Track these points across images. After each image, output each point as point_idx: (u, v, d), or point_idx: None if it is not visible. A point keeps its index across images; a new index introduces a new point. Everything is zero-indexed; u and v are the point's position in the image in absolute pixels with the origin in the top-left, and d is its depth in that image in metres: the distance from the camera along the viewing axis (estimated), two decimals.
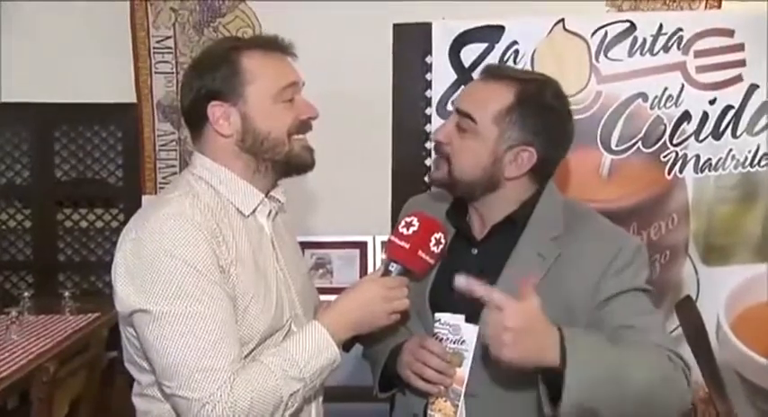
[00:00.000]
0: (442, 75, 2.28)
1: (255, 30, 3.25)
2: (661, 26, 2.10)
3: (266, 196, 1.52)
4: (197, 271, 1.35)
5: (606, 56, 2.14)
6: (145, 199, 3.28)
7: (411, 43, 2.32)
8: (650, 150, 2.13)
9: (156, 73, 3.29)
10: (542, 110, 1.48)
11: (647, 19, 2.14)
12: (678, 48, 2.10)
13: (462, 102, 1.53)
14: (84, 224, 3.39)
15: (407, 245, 1.47)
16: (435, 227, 1.50)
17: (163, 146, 3.32)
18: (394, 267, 1.48)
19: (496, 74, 1.55)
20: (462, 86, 2.26)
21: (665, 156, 2.13)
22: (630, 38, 2.12)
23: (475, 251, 1.56)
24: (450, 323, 1.48)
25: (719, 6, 3.07)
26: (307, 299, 1.60)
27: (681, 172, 2.13)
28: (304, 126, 1.49)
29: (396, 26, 2.32)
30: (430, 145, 2.32)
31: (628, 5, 3.09)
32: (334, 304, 1.48)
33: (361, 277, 3.37)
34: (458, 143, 1.51)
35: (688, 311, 2.12)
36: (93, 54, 3.25)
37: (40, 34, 3.29)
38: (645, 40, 2.11)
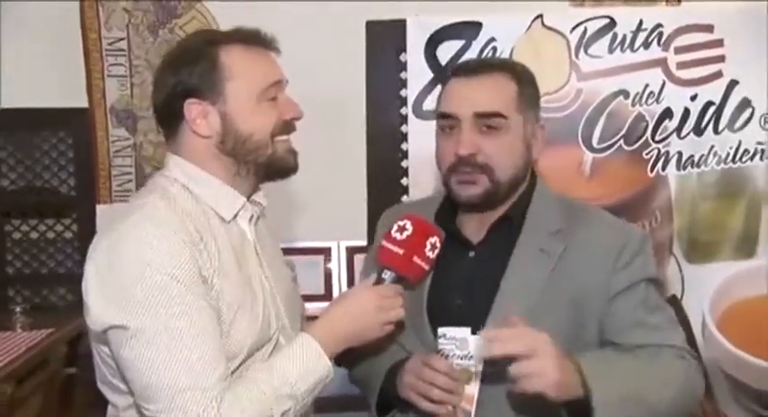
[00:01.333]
0: (417, 73, 2.21)
1: None
2: (641, 22, 2.08)
3: (248, 200, 1.42)
4: (178, 282, 1.23)
5: (586, 52, 2.11)
6: (99, 208, 3.14)
7: (385, 41, 2.25)
8: (632, 148, 2.11)
9: (108, 76, 3.14)
10: (532, 83, 1.48)
11: (627, 14, 2.11)
12: (658, 44, 2.08)
13: (478, 104, 1.44)
14: (34, 235, 3.22)
15: (402, 251, 1.39)
16: (430, 231, 1.42)
17: (117, 152, 3.17)
18: (387, 274, 1.40)
19: (480, 67, 1.50)
20: (440, 85, 2.19)
21: (647, 154, 2.10)
22: (610, 34, 2.10)
23: (471, 254, 1.49)
24: (457, 337, 1.37)
25: (679, 3, 3.09)
26: (293, 309, 1.49)
27: (663, 169, 2.10)
28: (287, 126, 1.39)
29: (369, 23, 2.24)
30: (406, 146, 2.25)
31: (590, 3, 3.09)
32: (324, 315, 1.37)
33: (325, 284, 3.29)
34: (491, 146, 1.42)
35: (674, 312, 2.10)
36: (41, 56, 3.09)
37: None
38: (625, 36, 2.09)
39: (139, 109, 3.15)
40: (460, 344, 1.38)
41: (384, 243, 1.41)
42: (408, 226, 1.41)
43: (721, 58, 2.05)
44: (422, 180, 2.22)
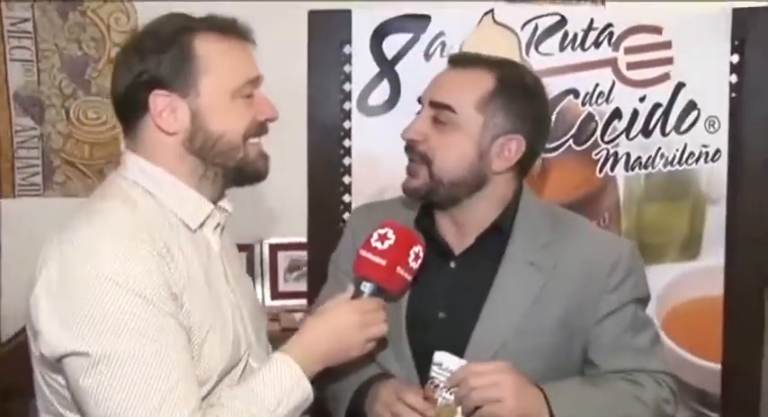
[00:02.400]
0: (362, 67, 2.11)
1: (131, 17, 2.94)
2: (592, 21, 2.05)
3: (214, 206, 1.30)
4: (146, 301, 1.10)
5: (537, 50, 2.07)
6: (2, 203, 2.91)
7: (328, 32, 2.13)
8: (582, 148, 2.09)
9: (11, 60, 2.90)
10: (526, 93, 1.38)
11: (578, 13, 2.10)
12: (609, 43, 2.06)
13: (436, 92, 1.38)
14: None
15: (384, 262, 1.31)
16: (413, 240, 1.36)
17: (22, 143, 2.93)
18: (366, 286, 1.32)
19: (468, 60, 1.43)
20: (386, 80, 2.11)
21: (596, 154, 2.09)
22: (561, 32, 2.06)
23: (452, 264, 1.41)
24: (452, 369, 1.28)
25: (603, 3, 3.11)
26: (258, 325, 1.38)
27: (612, 170, 2.09)
28: (261, 128, 1.30)
29: (311, 13, 2.13)
30: (349, 143, 2.16)
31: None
32: (301, 333, 1.27)
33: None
34: (436, 139, 1.35)
35: None
36: None
37: None
38: (576, 35, 2.06)
39: (47, 97, 2.94)
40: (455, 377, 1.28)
41: (364, 253, 1.33)
42: (390, 234, 1.33)
43: (669, 61, 2.05)
44: (365, 178, 2.14)
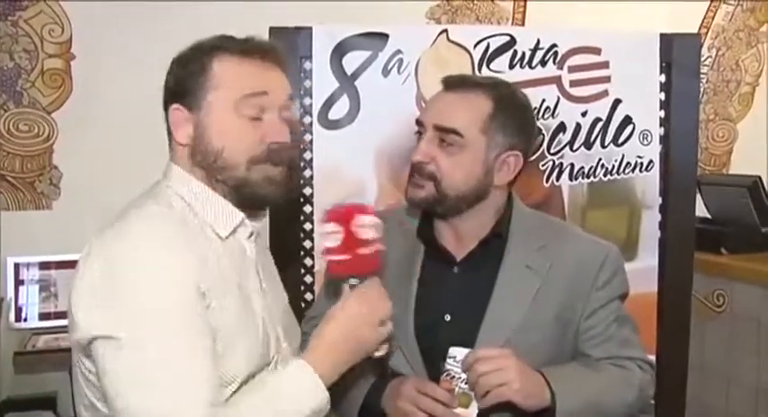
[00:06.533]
0: (322, 82, 2.19)
1: (65, 29, 2.90)
2: (538, 41, 2.21)
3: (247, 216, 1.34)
4: (179, 296, 1.16)
5: (488, 67, 2.20)
6: None
7: (288, 48, 2.20)
8: (530, 159, 2.23)
9: None
10: (519, 110, 1.51)
11: (526, 34, 2.24)
12: (554, 62, 2.22)
13: (439, 116, 1.46)
14: None
15: (348, 256, 1.30)
16: (352, 212, 1.31)
17: None
18: (351, 281, 1.34)
19: (465, 82, 1.53)
20: (346, 95, 2.20)
21: (543, 165, 2.24)
22: (511, 51, 2.20)
23: (456, 269, 1.52)
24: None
25: (523, 24, 3.32)
26: (292, 332, 1.44)
27: (558, 179, 2.25)
28: (273, 155, 1.29)
29: (272, 29, 2.18)
30: (309, 155, 2.22)
31: (445, 19, 3.23)
32: (317, 338, 1.28)
33: None
34: (445, 160, 1.44)
35: None
36: None
37: None
38: (524, 54, 2.21)
39: None
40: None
41: (328, 257, 1.32)
42: (331, 227, 1.31)
43: (607, 79, 2.23)
44: (327, 189, 2.21)
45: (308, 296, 2.23)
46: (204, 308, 1.19)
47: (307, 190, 2.23)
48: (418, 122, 1.51)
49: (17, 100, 2.98)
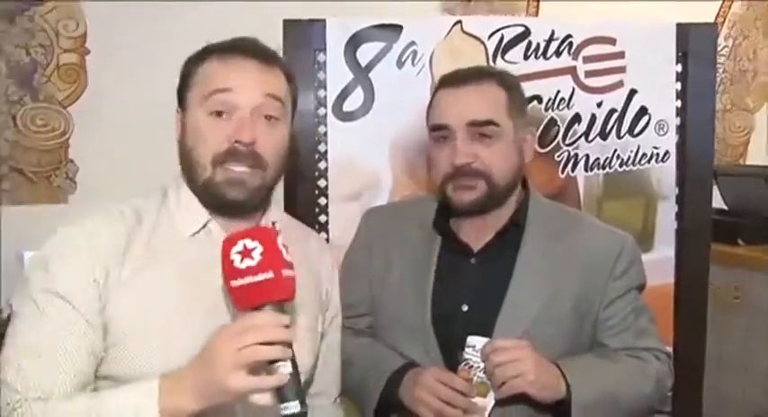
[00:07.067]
0: (336, 74, 2.19)
1: (80, 24, 2.91)
2: (553, 32, 2.20)
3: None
4: (55, 284, 1.23)
5: (503, 58, 2.19)
6: None
7: (302, 41, 2.20)
8: (545, 150, 2.23)
9: None
10: (518, 89, 1.55)
11: (541, 24, 2.23)
12: (569, 53, 2.21)
13: (469, 112, 1.46)
14: None
15: (271, 275, 1.10)
16: (272, 233, 1.14)
17: None
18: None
19: (471, 75, 1.53)
20: (360, 87, 2.19)
21: (558, 156, 2.23)
22: (525, 42, 2.19)
23: (473, 260, 1.51)
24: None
25: (537, 14, 3.30)
26: None
27: (573, 170, 2.24)
28: (235, 153, 1.25)
29: (286, 22, 2.19)
30: (324, 147, 2.22)
31: (461, 10, 3.21)
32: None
33: None
34: (487, 154, 1.45)
35: None
36: None
37: None
38: (539, 45, 2.20)
39: None
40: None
41: (238, 282, 1.10)
42: (250, 243, 1.11)
43: (623, 69, 2.22)
44: (341, 181, 2.21)
45: None
46: (92, 301, 1.22)
47: (321, 183, 2.23)
48: (439, 127, 1.48)
49: (33, 95, 2.99)
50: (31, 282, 1.21)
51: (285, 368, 1.07)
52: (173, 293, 1.24)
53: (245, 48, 1.31)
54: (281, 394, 1.07)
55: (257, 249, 1.10)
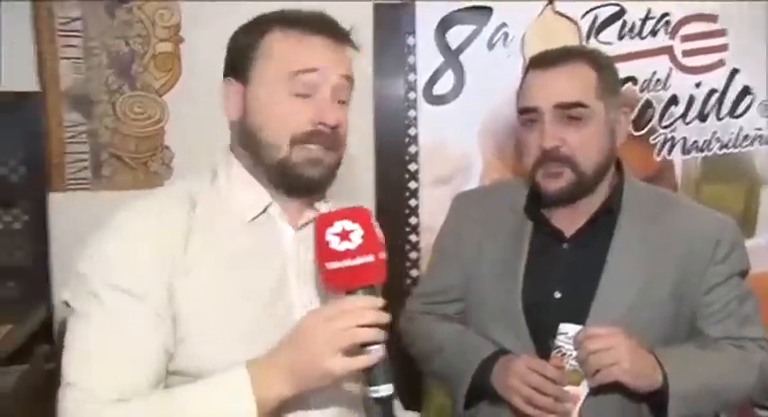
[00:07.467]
0: (426, 57, 2.19)
1: (175, 14, 2.99)
2: (649, 11, 2.14)
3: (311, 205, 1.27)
4: (124, 284, 1.13)
5: (596, 39, 2.15)
6: (52, 197, 2.94)
7: (393, 24, 2.20)
8: (641, 133, 2.17)
9: (61, 58, 2.94)
10: (611, 68, 1.48)
11: (636, 3, 2.16)
12: (666, 32, 2.14)
13: (557, 94, 1.40)
14: None
15: (371, 258, 1.06)
16: (366, 214, 1.10)
17: (71, 138, 2.97)
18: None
19: (560, 56, 1.47)
20: (450, 70, 2.18)
21: (654, 139, 2.17)
22: (620, 21, 2.14)
23: (566, 246, 1.48)
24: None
25: None
26: None
27: (669, 153, 2.18)
28: (316, 135, 1.18)
29: (377, 6, 2.20)
30: (414, 131, 2.22)
31: None
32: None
33: None
34: (576, 138, 1.40)
35: None
36: None
37: None
38: (634, 24, 2.14)
39: (95, 93, 2.97)
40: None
41: (335, 265, 1.06)
42: (350, 225, 1.07)
43: (724, 47, 2.14)
44: (432, 165, 2.21)
45: (414, 272, 2.24)
46: (159, 297, 1.13)
47: (412, 166, 2.23)
48: (528, 110, 1.45)
49: (131, 84, 3.08)
50: (92, 277, 1.13)
51: (377, 352, 1.05)
52: (233, 280, 1.18)
53: (319, 25, 1.22)
54: (371, 377, 1.05)
55: (357, 232, 1.06)
